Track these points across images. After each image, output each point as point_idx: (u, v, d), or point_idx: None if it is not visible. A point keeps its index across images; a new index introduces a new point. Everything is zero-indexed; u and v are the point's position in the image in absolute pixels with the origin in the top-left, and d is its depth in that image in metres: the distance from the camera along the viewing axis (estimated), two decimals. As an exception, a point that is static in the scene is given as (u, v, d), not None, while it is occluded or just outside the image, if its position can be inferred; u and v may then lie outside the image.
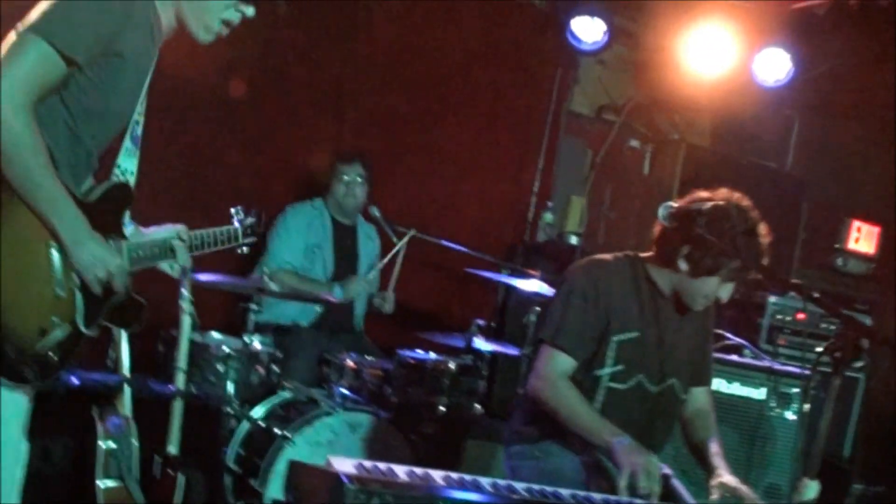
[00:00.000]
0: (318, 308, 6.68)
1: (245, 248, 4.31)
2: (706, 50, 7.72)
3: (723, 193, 4.16)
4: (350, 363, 6.02)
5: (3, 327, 3.16)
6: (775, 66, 7.76)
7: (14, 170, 3.15)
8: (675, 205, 4.12)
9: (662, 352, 4.30)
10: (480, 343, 6.21)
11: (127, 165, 3.64)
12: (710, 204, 4.10)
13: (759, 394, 5.60)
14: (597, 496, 3.52)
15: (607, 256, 4.40)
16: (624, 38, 8.21)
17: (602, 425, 4.05)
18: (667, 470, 4.26)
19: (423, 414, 5.94)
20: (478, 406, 6.13)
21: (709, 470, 4.18)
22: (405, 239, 6.64)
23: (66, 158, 3.38)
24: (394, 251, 6.64)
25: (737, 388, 5.61)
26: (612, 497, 3.62)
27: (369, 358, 6.23)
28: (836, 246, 7.83)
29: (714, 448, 4.27)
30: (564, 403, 4.12)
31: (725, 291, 4.16)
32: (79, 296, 3.40)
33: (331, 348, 6.33)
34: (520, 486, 3.41)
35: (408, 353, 6.13)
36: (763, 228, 4.11)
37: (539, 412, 4.23)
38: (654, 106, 8.49)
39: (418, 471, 3.21)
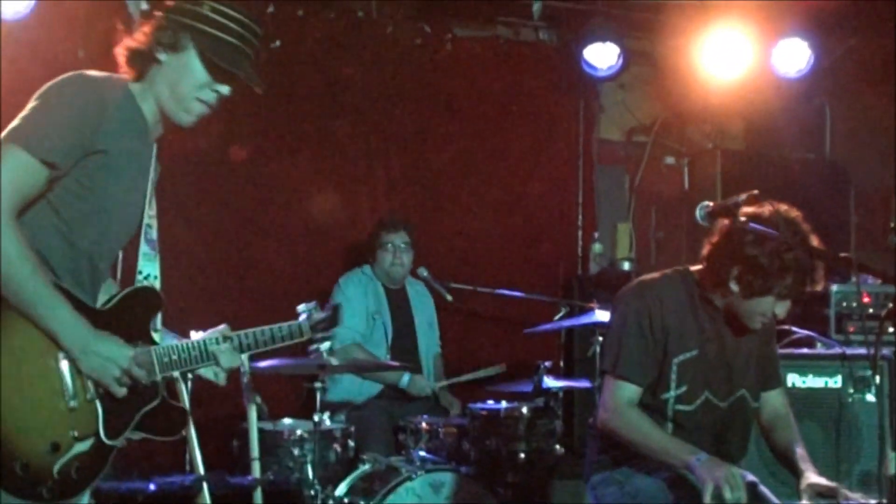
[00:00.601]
0: (385, 377, 6.70)
1: (322, 346, 4.32)
2: (722, 53, 7.66)
3: (769, 207, 3.96)
4: (424, 425, 6.02)
5: (4, 444, 3.09)
6: (794, 56, 7.70)
7: (3, 279, 3.11)
8: (711, 204, 4.02)
9: (726, 365, 4.22)
10: (550, 382, 6.16)
11: (149, 270, 3.57)
12: (750, 213, 3.90)
13: (835, 382, 5.49)
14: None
15: (656, 275, 4.33)
16: (639, 58, 8.18)
17: (677, 445, 3.99)
18: (752, 477, 4.17)
19: (504, 463, 5.88)
20: (558, 447, 6.05)
21: (797, 474, 4.09)
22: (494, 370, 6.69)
23: (65, 266, 3.33)
24: (480, 374, 6.68)
25: (812, 381, 5.50)
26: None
27: (443, 417, 6.21)
28: (892, 225, 7.69)
29: (799, 451, 4.18)
30: (636, 430, 4.07)
31: (782, 308, 4.04)
32: (98, 405, 3.31)
33: (404, 415, 6.32)
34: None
35: (479, 405, 6.11)
36: (815, 240, 3.94)
37: (612, 439, 4.18)
38: (683, 119, 8.46)
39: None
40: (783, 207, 3.98)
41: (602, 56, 7.69)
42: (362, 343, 6.68)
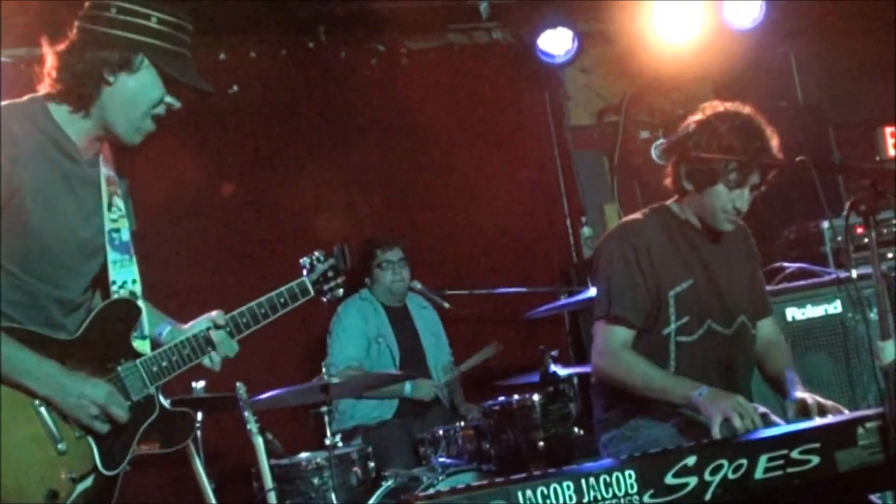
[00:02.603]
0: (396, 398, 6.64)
1: (328, 297, 3.77)
2: (674, 18, 7.64)
3: (710, 107, 4.11)
4: (441, 433, 5.99)
5: None
6: (746, 7, 7.67)
7: None
8: (664, 141, 4.06)
9: (721, 291, 4.19)
10: (558, 369, 6.10)
11: (124, 277, 3.44)
12: (695, 121, 4.06)
13: (835, 307, 5.41)
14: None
15: (636, 216, 4.34)
16: (595, 40, 8.18)
17: (677, 382, 3.94)
18: (763, 409, 4.11)
19: (525, 454, 5.82)
20: (576, 429, 5.99)
21: (783, 394, 4.04)
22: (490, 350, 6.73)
23: (28, 312, 3.25)
24: (479, 357, 6.70)
25: (811, 311, 5.40)
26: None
27: (459, 423, 6.15)
28: (877, 158, 7.65)
29: (788, 374, 4.13)
30: (634, 372, 4.01)
31: (740, 200, 4.03)
32: (90, 440, 3.26)
33: (422, 429, 6.27)
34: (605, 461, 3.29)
35: (491, 402, 6.06)
36: (758, 122, 4.02)
37: (616, 394, 4.11)
38: (650, 92, 8.40)
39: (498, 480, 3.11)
40: (726, 104, 4.09)
41: (557, 42, 7.68)
42: (364, 368, 6.61)
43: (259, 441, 5.13)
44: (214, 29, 6.82)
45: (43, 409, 3.18)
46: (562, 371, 6.07)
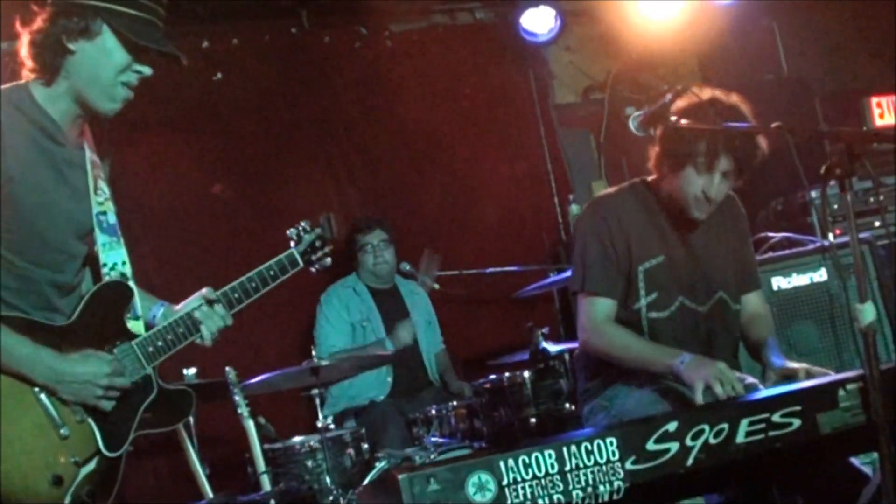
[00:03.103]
0: (388, 378, 6.66)
1: (316, 267, 3.79)
2: (657, -6, 7.65)
3: (693, 95, 4.02)
4: (434, 413, 6.02)
5: (4, 495, 3.05)
6: (729, -19, 7.68)
7: None
8: (641, 113, 4.02)
9: (701, 268, 4.17)
10: (548, 346, 6.11)
11: (114, 259, 3.48)
12: (678, 104, 3.98)
13: (820, 276, 5.43)
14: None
15: (611, 190, 4.34)
16: (578, 18, 8.14)
17: (659, 351, 3.94)
18: (752, 379, 4.10)
19: (517, 431, 5.85)
20: (567, 405, 6.00)
21: (763, 363, 4.04)
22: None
23: (26, 298, 3.27)
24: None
25: (796, 280, 5.43)
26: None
27: (451, 402, 6.17)
28: (864, 129, 7.63)
29: (769, 342, 4.12)
30: (616, 344, 4.02)
31: (711, 186, 3.98)
32: (92, 423, 3.29)
33: (414, 409, 6.28)
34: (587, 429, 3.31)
35: (482, 380, 6.08)
36: (737, 112, 3.93)
37: (596, 364, 4.14)
38: (635, 68, 8.38)
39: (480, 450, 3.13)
40: (706, 92, 4.00)
41: (539, 21, 7.71)
42: None
43: (250, 424, 5.17)
44: (197, 16, 6.80)
45: (43, 396, 3.21)
46: (552, 347, 6.09)
